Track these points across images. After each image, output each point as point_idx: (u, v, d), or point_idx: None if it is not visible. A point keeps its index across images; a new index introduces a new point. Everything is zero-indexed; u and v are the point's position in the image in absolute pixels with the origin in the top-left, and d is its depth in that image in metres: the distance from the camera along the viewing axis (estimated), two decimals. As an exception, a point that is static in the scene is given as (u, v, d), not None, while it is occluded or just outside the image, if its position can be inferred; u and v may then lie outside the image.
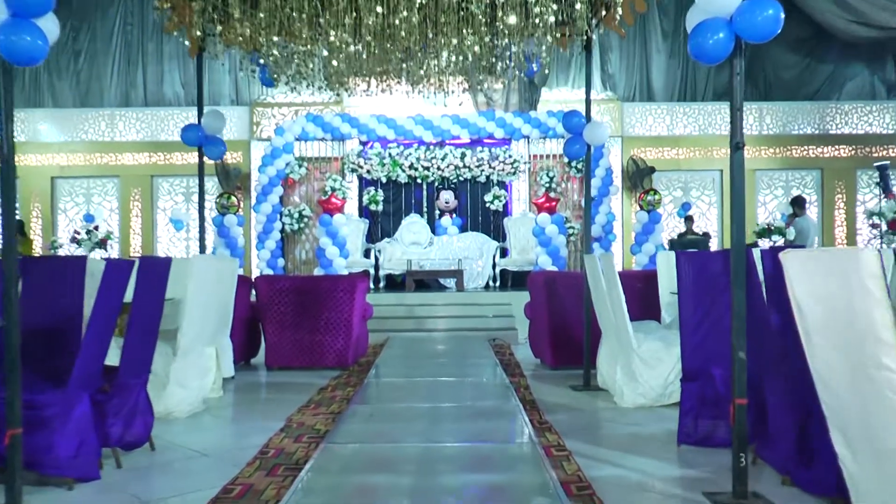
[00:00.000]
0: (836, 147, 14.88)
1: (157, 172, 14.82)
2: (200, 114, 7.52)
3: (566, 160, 14.45)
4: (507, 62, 8.62)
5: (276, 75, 8.42)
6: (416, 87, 8.91)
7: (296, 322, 7.95)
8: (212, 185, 14.28)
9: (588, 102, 7.11)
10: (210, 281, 6.16)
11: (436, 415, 5.61)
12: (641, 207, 12.41)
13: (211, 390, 6.40)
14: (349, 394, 6.54)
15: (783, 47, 14.89)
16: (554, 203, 12.62)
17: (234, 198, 11.97)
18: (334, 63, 8.17)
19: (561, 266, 12.09)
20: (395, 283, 13.62)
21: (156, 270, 4.66)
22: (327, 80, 8.52)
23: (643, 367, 5.87)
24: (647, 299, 7.09)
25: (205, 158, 7.62)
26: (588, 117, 7.03)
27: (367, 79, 8.45)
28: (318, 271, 11.79)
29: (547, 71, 14.24)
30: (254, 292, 8.37)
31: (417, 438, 4.89)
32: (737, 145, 3.69)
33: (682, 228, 13.40)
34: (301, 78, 8.45)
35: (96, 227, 12.70)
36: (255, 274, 14.31)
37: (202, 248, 7.30)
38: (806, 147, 14.87)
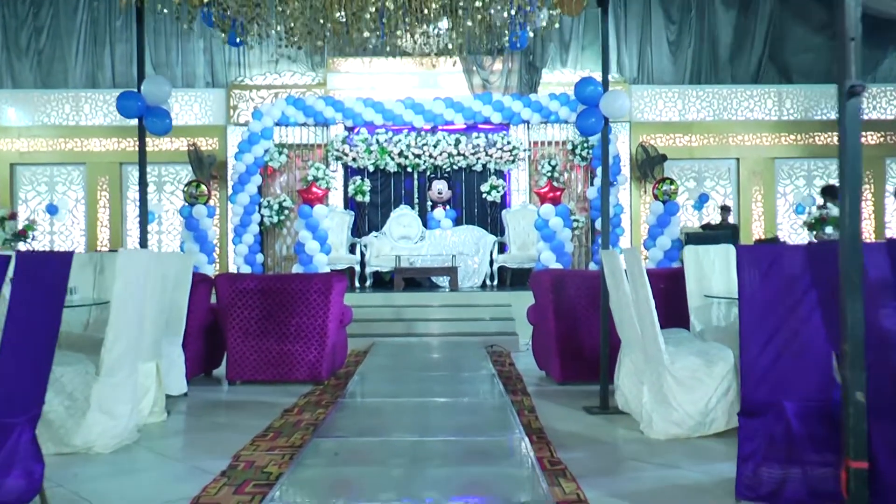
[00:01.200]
0: (864, 133, 13.66)
1: (127, 160, 13.65)
2: (140, 80, 6.34)
3: (570, 147, 13.34)
4: (506, 29, 7.45)
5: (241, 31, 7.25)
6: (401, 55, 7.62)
7: (262, 329, 6.81)
8: (186, 173, 13.12)
9: (606, 65, 5.98)
10: (147, 281, 5.02)
11: (419, 453, 4.46)
12: (656, 197, 11.27)
13: (150, 414, 5.30)
14: (318, 417, 5.42)
15: (806, 28, 13.76)
16: (558, 193, 11.50)
17: (203, 186, 10.81)
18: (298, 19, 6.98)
19: (566, 263, 10.96)
20: (382, 282, 12.48)
21: (46, 268, 3.52)
22: (291, 36, 7.33)
23: (678, 388, 4.74)
24: (673, 303, 5.94)
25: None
26: (605, 86, 5.90)
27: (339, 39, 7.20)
28: (297, 268, 10.66)
29: (551, 52, 13.14)
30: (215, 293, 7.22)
31: (391, 491, 3.73)
32: (851, 89, 2.50)
33: (698, 222, 12.27)
34: (266, 36, 7.27)
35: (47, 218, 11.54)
36: (231, 271, 13.17)
37: (143, 242, 6.14)
38: (830, 134, 13.73)
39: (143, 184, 6.18)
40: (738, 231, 12.02)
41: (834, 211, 10.63)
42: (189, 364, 6.50)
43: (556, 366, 6.72)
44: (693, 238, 10.64)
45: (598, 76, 13.27)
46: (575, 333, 6.66)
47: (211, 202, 13.23)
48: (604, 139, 5.90)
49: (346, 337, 7.71)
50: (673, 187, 11.43)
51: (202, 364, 7.14)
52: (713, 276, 5.89)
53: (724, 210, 12.35)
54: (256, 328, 6.82)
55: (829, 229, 8.58)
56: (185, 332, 6.34)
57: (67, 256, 3.69)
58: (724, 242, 9.57)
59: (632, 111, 13.74)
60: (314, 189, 11.24)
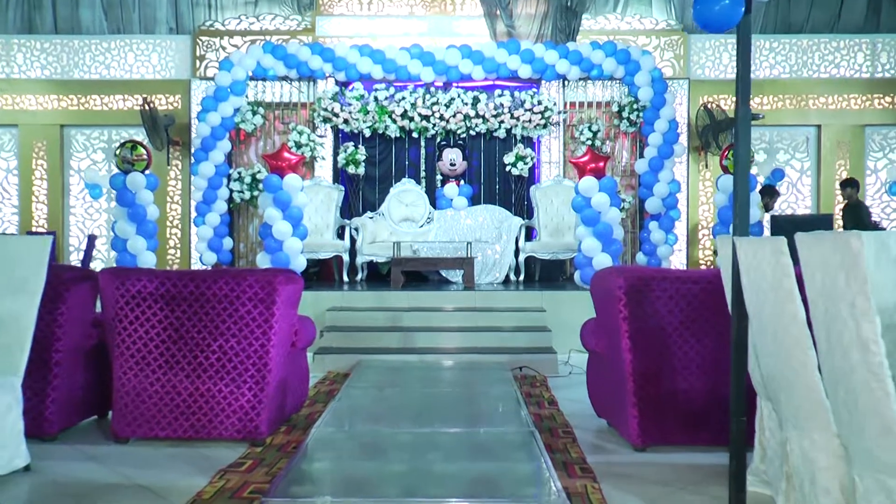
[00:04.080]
0: None
1: (70, 121, 11.13)
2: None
3: (615, 109, 10.73)
4: None
5: None
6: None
7: (166, 357, 4.32)
8: (142, 138, 10.58)
9: None
10: None
11: None
12: (726, 170, 8.66)
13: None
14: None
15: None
16: (601, 163, 8.96)
17: (141, 148, 8.25)
18: None
19: (614, 254, 8.37)
20: (378, 275, 9.94)
21: None
22: None
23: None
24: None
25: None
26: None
27: None
28: (262, 258, 8.13)
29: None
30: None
31: None
32: None
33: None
34: None
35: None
36: (193, 260, 10.69)
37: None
38: (940, 96, 11.10)
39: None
40: (832, 219, 9.41)
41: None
42: (57, 409, 4.22)
43: (633, 421, 4.20)
44: (784, 224, 8.05)
45: (650, 23, 10.70)
46: (665, 370, 4.18)
47: (170, 171, 10.76)
48: (742, 38, 3.33)
49: (305, 365, 5.17)
50: (751, 156, 8.82)
51: (80, 408, 4.67)
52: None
53: (850, 186, 9.68)
54: (158, 356, 4.32)
55: None
56: (49, 361, 4.02)
57: None
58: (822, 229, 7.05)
59: (690, 66, 11.12)
60: (285, 154, 8.72)
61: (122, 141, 8.33)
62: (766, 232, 9.07)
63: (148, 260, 8.24)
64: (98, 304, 4.64)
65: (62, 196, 11.16)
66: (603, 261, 8.12)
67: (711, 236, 9.48)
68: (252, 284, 4.32)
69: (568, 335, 7.23)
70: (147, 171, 8.32)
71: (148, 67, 11.16)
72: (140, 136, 10.57)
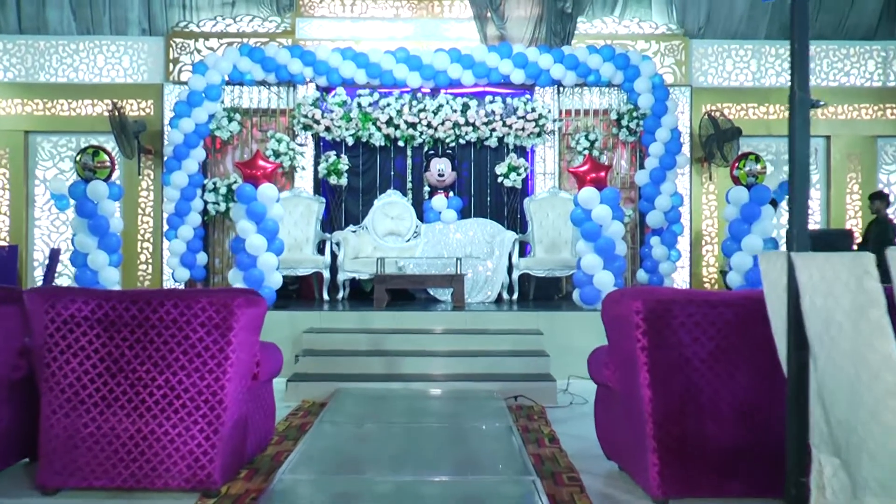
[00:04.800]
0: None
1: (35, 127, 10.47)
2: None
3: (614, 117, 10.15)
4: None
5: None
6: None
7: (104, 392, 3.65)
8: (114, 146, 9.91)
9: None
10: None
11: None
12: (737, 181, 8.07)
13: None
14: None
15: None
16: (602, 172, 8.36)
17: (103, 153, 7.58)
18: None
19: (617, 272, 7.74)
20: (362, 293, 9.27)
21: None
22: None
23: None
24: None
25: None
26: None
27: None
28: (234, 274, 7.46)
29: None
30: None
31: None
32: None
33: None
34: None
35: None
36: (166, 277, 10.02)
37: None
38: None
39: None
40: (852, 234, 8.82)
41: None
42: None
43: (653, 468, 3.55)
44: (818, 240, 7.42)
45: (649, 27, 10.11)
46: (690, 410, 3.55)
47: (142, 181, 10.11)
48: (799, 6, 2.71)
49: (270, 400, 4.50)
50: (760, 166, 8.23)
51: (5, 451, 3.98)
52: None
53: (880, 199, 9.16)
54: (93, 392, 3.65)
55: None
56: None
57: None
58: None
59: (692, 72, 10.56)
60: (260, 162, 8.08)
61: (84, 146, 7.64)
62: (782, 246, 8.48)
63: (111, 276, 7.56)
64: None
65: (26, 207, 10.47)
66: (604, 279, 7.50)
67: (720, 253, 8.86)
68: (205, 308, 3.67)
69: (567, 360, 6.64)
70: (111, 180, 7.63)
71: (119, 70, 10.51)
72: (110, 143, 9.91)
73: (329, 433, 4.77)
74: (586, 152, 9.95)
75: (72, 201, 7.61)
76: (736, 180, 8.03)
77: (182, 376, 3.64)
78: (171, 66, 10.38)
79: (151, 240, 10.32)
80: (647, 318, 3.57)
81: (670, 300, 3.61)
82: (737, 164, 8.01)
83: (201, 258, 9.75)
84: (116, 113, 9.53)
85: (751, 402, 3.52)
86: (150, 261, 10.33)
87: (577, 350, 6.75)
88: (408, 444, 4.58)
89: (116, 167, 8.21)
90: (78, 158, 7.62)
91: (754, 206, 7.78)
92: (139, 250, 10.33)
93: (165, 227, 9.69)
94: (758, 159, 8.09)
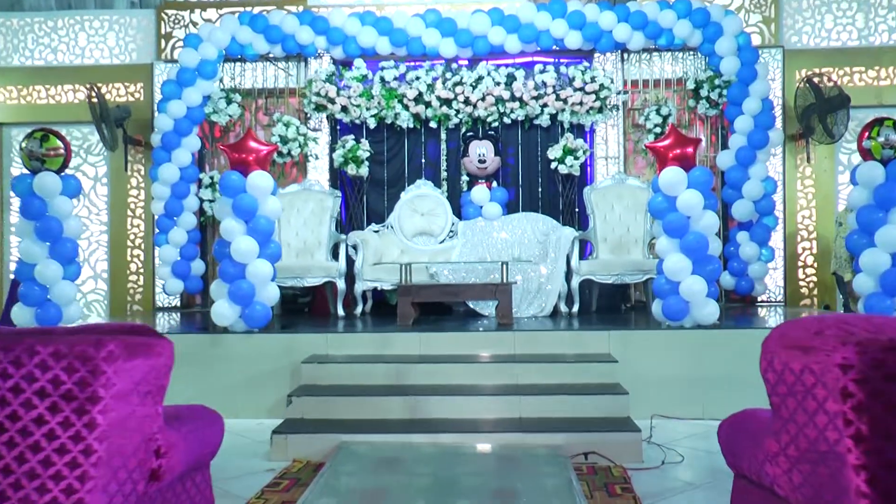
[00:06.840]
0: None
1: (8, 118, 9.04)
2: None
3: (690, 86, 8.40)
4: None
5: None
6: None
7: None
8: (95, 141, 8.42)
9: None
10: None
11: None
12: (866, 154, 6.21)
13: None
14: None
15: None
16: (691, 148, 6.63)
17: (55, 139, 6.00)
18: None
19: (710, 278, 5.92)
20: (387, 307, 7.62)
21: None
22: None
23: None
24: None
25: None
26: None
27: None
28: (216, 289, 5.83)
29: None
30: None
31: None
32: None
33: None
34: None
35: None
36: (157, 290, 8.50)
37: None
38: None
39: None
40: None
41: None
42: None
43: None
44: None
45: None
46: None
47: (131, 178, 8.62)
48: None
49: (200, 500, 2.84)
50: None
51: None
52: None
53: None
54: None
55: None
56: None
57: None
58: None
59: (782, 31, 8.73)
60: (251, 143, 6.48)
61: (31, 130, 6.10)
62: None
63: (65, 292, 5.98)
64: None
65: (0, 212, 9.02)
66: (694, 286, 5.71)
67: (844, 249, 7.01)
68: (48, 364, 2.03)
69: (646, 394, 5.03)
70: (65, 172, 6.08)
71: (104, 50, 9.03)
72: (96, 134, 8.44)
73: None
74: (658, 130, 8.18)
75: (14, 199, 6.05)
76: (866, 154, 6.18)
77: (9, 485, 2.01)
78: (162, 42, 8.87)
79: (143, 246, 8.81)
80: (866, 378, 1.85)
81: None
82: (867, 133, 6.16)
83: (197, 267, 8.22)
84: (94, 96, 8.01)
85: None
86: (141, 271, 8.81)
87: (659, 381, 5.41)
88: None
89: (72, 155, 6.62)
90: (23, 145, 6.05)
91: (894, 186, 5.92)
92: (129, 259, 8.83)
93: (154, 230, 8.18)
94: (893, 124, 6.22)
